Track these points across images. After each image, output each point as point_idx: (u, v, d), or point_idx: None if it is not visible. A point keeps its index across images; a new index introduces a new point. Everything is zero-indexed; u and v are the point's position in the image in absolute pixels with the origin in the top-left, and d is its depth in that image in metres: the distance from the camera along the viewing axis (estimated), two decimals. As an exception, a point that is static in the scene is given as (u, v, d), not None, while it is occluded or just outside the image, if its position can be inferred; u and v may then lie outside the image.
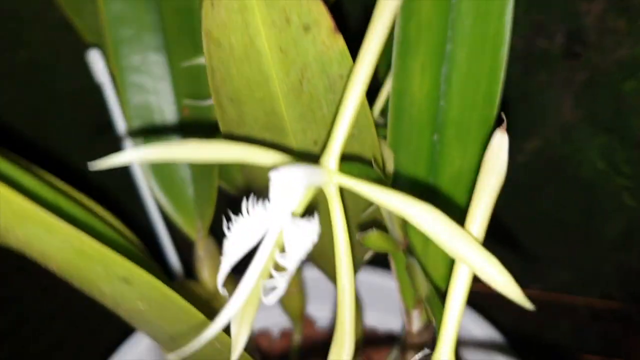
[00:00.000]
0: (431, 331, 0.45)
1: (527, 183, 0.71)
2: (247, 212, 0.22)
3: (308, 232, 0.22)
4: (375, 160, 0.30)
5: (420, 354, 0.24)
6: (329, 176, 0.25)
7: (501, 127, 0.24)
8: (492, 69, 0.38)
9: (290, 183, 0.22)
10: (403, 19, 0.38)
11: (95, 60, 0.49)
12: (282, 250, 0.23)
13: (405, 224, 0.33)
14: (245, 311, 0.27)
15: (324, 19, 0.27)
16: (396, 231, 0.32)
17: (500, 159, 0.24)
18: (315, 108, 0.30)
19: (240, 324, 0.27)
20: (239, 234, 0.22)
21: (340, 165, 0.26)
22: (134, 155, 0.24)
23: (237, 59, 0.27)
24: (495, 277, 0.22)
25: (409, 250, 0.35)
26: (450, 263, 0.41)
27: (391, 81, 0.39)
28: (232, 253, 0.22)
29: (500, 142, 0.24)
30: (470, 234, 0.24)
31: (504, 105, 0.67)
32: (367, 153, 0.34)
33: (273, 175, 0.21)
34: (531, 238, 0.75)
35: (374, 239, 0.29)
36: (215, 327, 0.22)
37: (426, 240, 0.41)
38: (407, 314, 0.43)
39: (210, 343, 0.29)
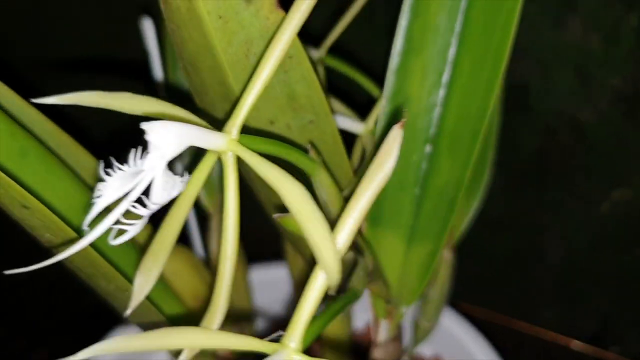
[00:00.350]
0: (398, 344, 0.43)
1: (611, 235, 0.67)
2: (132, 160, 0.23)
3: (171, 188, 0.23)
4: (315, 147, 0.30)
5: (274, 335, 0.24)
6: (226, 144, 0.25)
7: (401, 122, 0.24)
8: (489, 80, 0.36)
9: (162, 137, 0.22)
10: (409, 17, 0.37)
11: (148, 30, 0.52)
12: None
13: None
14: (151, 264, 0.28)
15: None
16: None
17: (391, 154, 0.23)
18: (267, 86, 0.30)
19: (145, 275, 0.28)
20: (117, 179, 0.23)
21: (256, 141, 0.26)
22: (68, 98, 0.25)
23: (184, 21, 0.28)
24: (327, 265, 0.21)
25: (357, 249, 0.34)
26: (420, 276, 0.40)
27: (387, 80, 0.38)
28: (105, 196, 0.23)
29: (395, 137, 0.23)
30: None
31: (598, 146, 0.63)
32: (328, 141, 0.34)
33: (144, 126, 0.22)
34: (612, 296, 0.70)
35: (295, 223, 0.29)
36: (71, 249, 0.23)
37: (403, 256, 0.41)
38: (375, 321, 0.43)
39: (123, 292, 0.31)
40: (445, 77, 0.38)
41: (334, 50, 0.47)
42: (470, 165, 0.38)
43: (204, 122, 0.26)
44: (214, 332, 0.24)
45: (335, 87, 0.46)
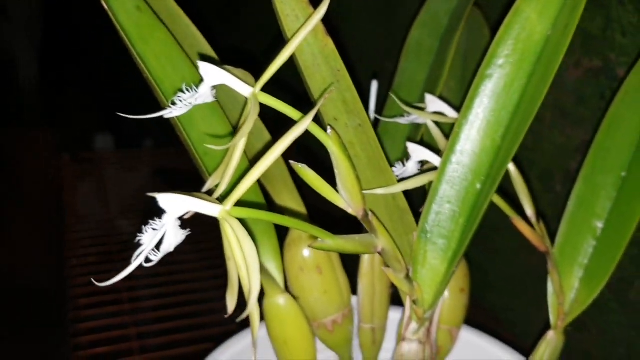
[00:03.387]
0: (422, 350, 0.51)
1: None
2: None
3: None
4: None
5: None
6: (251, 94, 0.42)
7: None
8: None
9: (213, 75, 0.41)
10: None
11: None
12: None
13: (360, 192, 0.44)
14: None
15: (319, 25, 0.44)
16: (345, 194, 0.44)
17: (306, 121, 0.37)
18: (329, 91, 0.46)
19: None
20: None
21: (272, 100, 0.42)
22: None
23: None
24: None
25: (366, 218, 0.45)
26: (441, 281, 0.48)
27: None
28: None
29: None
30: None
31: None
32: (373, 145, 0.47)
33: (199, 64, 0.41)
34: None
35: (306, 174, 0.43)
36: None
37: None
38: (407, 320, 0.51)
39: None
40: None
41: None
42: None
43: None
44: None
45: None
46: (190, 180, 0.50)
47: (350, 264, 0.65)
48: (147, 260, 0.37)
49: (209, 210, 0.38)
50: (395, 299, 0.61)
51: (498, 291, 1.05)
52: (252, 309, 0.36)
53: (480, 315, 1.03)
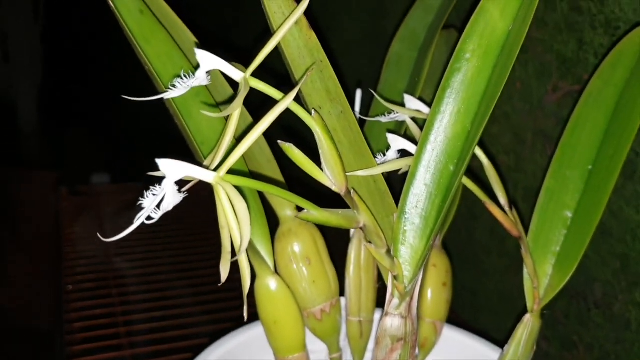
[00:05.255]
0: (404, 325, 0.54)
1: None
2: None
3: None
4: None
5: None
6: (242, 78, 0.47)
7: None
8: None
9: (209, 61, 0.46)
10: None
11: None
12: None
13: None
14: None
15: (303, 19, 0.49)
16: (329, 172, 0.49)
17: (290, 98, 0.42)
18: (312, 80, 0.51)
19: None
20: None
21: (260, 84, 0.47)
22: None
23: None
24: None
25: (349, 195, 0.49)
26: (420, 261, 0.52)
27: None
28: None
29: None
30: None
31: None
32: (354, 130, 0.52)
33: (196, 51, 0.46)
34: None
35: (293, 153, 0.47)
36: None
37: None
38: (390, 295, 0.55)
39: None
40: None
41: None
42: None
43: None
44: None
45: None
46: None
47: (338, 263, 0.69)
48: (149, 218, 0.41)
49: (204, 176, 0.43)
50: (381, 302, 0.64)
51: (488, 312, 1.07)
52: (242, 257, 0.40)
53: (472, 337, 1.06)
